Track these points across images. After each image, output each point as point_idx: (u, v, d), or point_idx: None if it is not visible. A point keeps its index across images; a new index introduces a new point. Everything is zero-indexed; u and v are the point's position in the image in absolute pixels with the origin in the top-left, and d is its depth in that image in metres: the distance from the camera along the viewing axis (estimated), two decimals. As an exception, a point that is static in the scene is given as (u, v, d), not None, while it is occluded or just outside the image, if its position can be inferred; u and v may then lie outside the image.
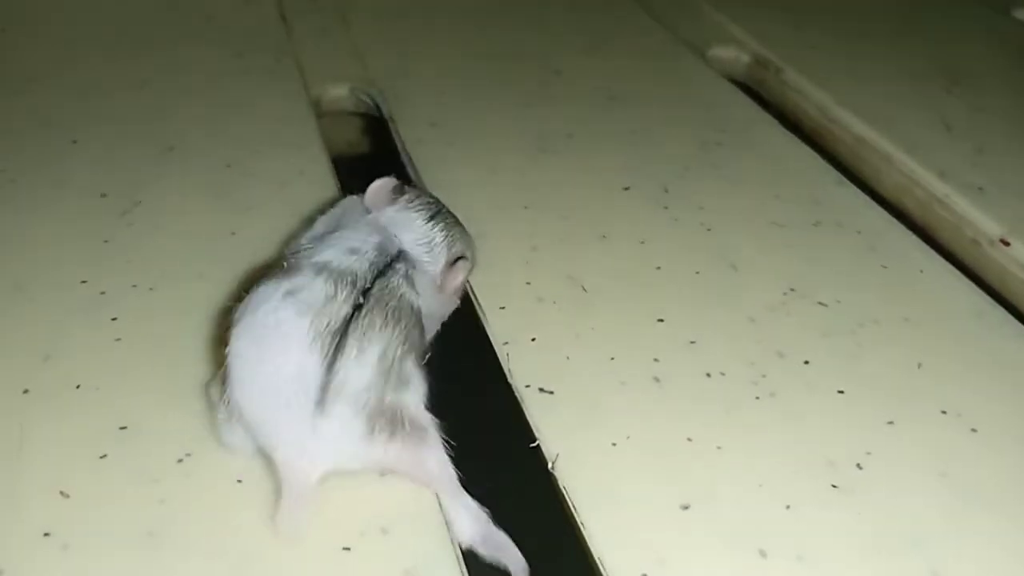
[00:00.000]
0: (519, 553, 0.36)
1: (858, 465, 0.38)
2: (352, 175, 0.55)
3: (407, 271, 0.39)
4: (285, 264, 0.38)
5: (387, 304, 0.37)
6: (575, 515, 0.36)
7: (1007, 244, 0.53)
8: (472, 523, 0.36)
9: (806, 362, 0.44)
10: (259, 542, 0.34)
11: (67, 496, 0.36)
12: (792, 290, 0.48)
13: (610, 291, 0.48)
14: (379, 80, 0.68)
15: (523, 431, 0.40)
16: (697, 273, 0.50)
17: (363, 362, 0.34)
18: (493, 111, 0.65)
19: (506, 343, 0.44)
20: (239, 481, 0.37)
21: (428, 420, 0.37)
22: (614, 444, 0.39)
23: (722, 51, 0.74)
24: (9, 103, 0.63)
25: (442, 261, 0.41)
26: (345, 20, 0.77)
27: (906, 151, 0.61)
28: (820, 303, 0.48)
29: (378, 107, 0.65)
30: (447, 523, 0.36)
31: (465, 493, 0.36)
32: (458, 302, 0.43)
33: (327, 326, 0.34)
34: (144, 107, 0.63)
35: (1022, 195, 0.57)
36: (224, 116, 0.63)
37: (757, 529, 0.36)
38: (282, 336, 0.34)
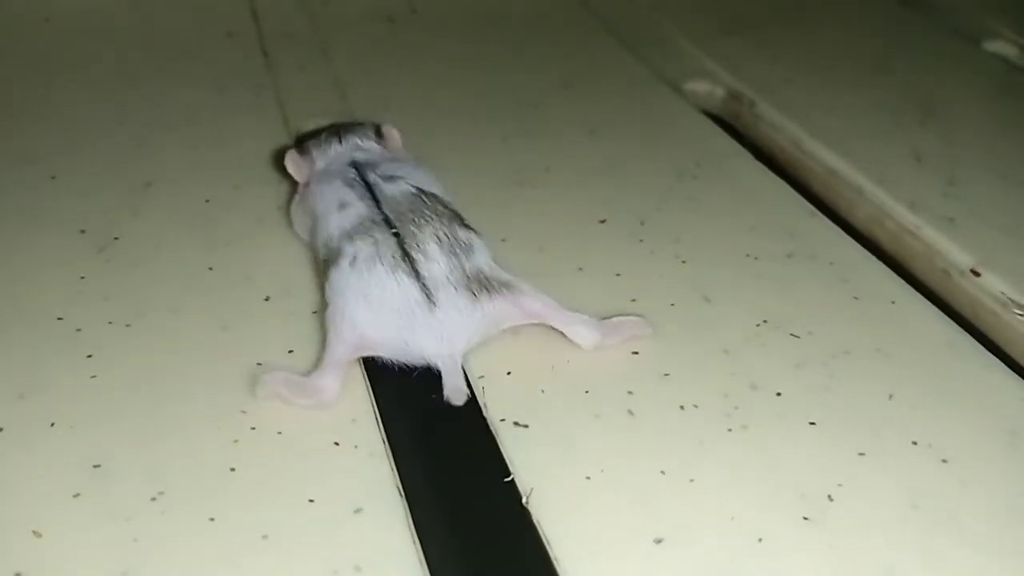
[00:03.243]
0: (639, 320, 0.46)
1: (829, 497, 0.39)
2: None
3: (378, 176, 0.47)
4: (326, 261, 0.45)
5: (402, 209, 0.44)
6: (549, 550, 0.36)
7: (977, 275, 0.54)
8: (589, 329, 0.45)
9: (778, 394, 0.44)
10: (232, 581, 0.34)
11: (40, 535, 0.36)
12: (765, 322, 0.49)
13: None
14: (359, 114, 0.68)
15: (498, 465, 0.40)
16: (672, 305, 0.50)
17: (431, 256, 0.42)
18: (471, 144, 0.66)
19: (482, 376, 0.45)
20: (211, 519, 0.37)
21: (507, 274, 0.45)
22: (588, 478, 0.39)
23: (697, 85, 0.75)
24: (-12, 139, 0.64)
25: (375, 143, 0.51)
26: (326, 54, 0.78)
27: (877, 183, 0.62)
28: (793, 335, 0.48)
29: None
30: (570, 337, 0.45)
31: (569, 311, 0.45)
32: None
33: (392, 256, 0.42)
34: (124, 142, 0.64)
35: (993, 226, 0.57)
36: (203, 151, 0.63)
37: (730, 561, 0.36)
38: (374, 283, 0.42)
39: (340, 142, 0.51)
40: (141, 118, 0.67)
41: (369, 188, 0.46)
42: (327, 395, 0.42)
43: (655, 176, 0.62)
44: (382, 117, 0.67)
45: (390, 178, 0.47)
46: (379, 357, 0.44)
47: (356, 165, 0.48)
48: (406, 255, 0.42)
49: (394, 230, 0.43)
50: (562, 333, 0.45)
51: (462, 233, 0.44)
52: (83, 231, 0.54)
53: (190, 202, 0.57)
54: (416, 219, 0.44)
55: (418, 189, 0.46)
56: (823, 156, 0.65)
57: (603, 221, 0.57)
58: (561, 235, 0.56)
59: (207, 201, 0.57)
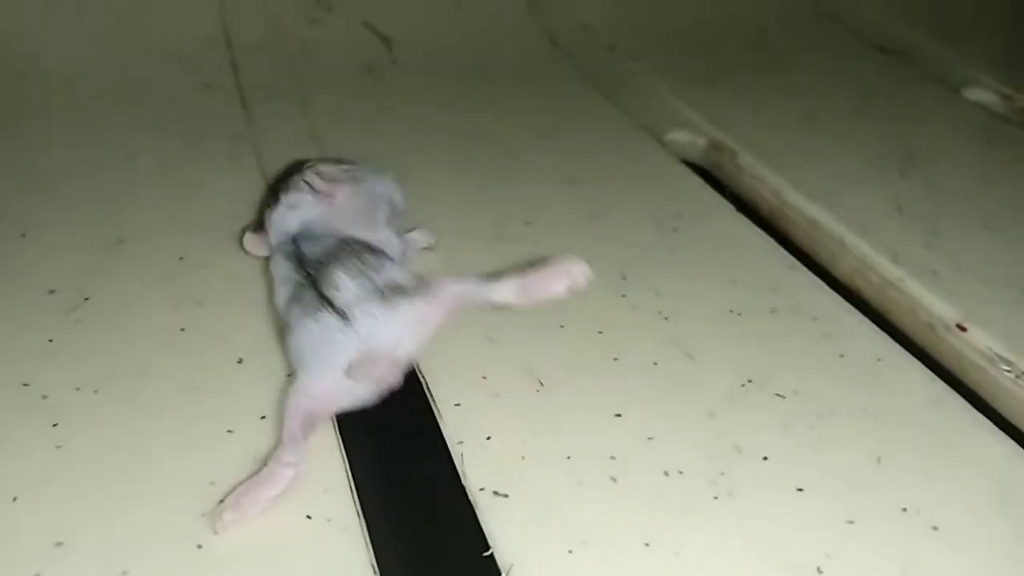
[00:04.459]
0: (558, 264, 0.44)
1: (819, 569, 0.38)
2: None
3: (308, 240, 0.48)
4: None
5: (322, 260, 0.46)
6: (529, 630, 0.35)
7: (963, 329, 0.53)
8: (509, 289, 0.45)
9: (765, 458, 0.43)
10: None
11: (-4, 621, 0.34)
12: (749, 381, 0.48)
13: (567, 384, 0.47)
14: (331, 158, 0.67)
15: (477, 538, 0.39)
16: (655, 364, 0.49)
17: (343, 286, 0.43)
18: (451, 196, 0.65)
19: (460, 442, 0.43)
20: (178, 601, 0.35)
21: (411, 277, 0.45)
22: (570, 551, 0.38)
23: (678, 135, 0.75)
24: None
25: (305, 193, 0.51)
26: (305, 105, 0.77)
27: (859, 234, 0.61)
28: (778, 394, 0.47)
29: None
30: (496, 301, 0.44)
31: (483, 282, 0.45)
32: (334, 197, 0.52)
33: (312, 301, 0.43)
34: (98, 197, 0.63)
35: (977, 278, 0.57)
36: (179, 205, 0.62)
37: (717, 640, 0.35)
38: (304, 334, 0.43)
39: (278, 204, 0.52)
40: (116, 171, 0.66)
41: (300, 258, 0.47)
42: (293, 471, 0.40)
43: (636, 228, 0.62)
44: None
45: (318, 239, 0.48)
46: (357, 423, 0.43)
47: (295, 239, 0.49)
48: (322, 296, 0.43)
49: (311, 278, 0.45)
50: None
51: (371, 257, 0.46)
52: (52, 291, 0.53)
53: (164, 259, 0.56)
54: (329, 261, 0.45)
55: (341, 240, 0.47)
56: (804, 207, 0.65)
57: (585, 276, 0.56)
58: (542, 290, 0.55)
59: (181, 258, 0.56)
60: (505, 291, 0.45)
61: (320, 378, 0.42)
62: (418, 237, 0.57)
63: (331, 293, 0.43)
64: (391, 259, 0.47)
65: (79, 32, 0.82)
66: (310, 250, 0.47)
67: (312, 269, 0.45)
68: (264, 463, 0.40)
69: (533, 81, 0.83)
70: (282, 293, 0.46)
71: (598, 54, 0.88)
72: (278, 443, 0.41)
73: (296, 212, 0.51)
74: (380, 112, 0.77)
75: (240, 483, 0.40)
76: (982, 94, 0.84)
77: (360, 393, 0.42)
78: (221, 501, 0.39)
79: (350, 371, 0.42)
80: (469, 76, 0.83)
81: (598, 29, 0.91)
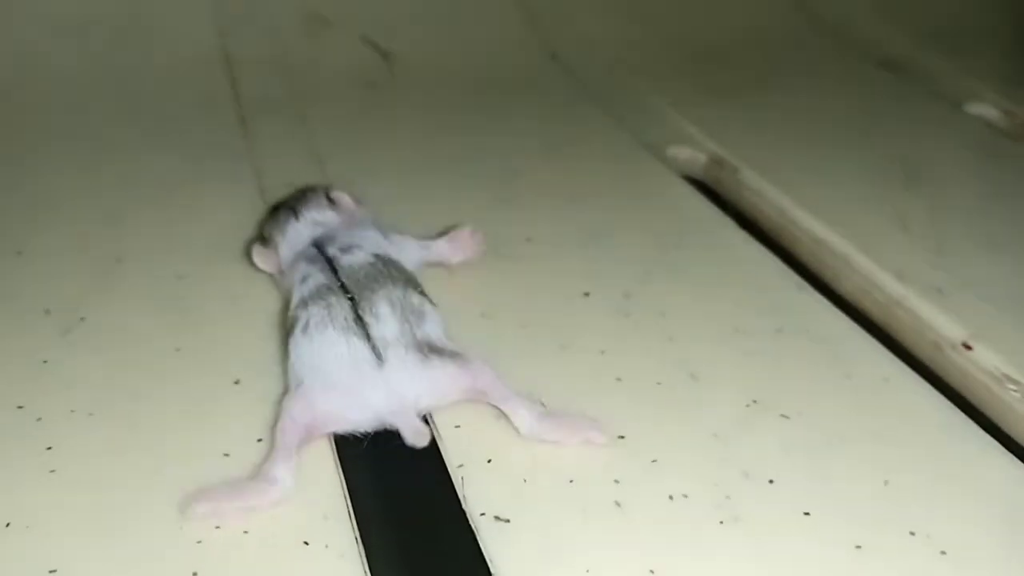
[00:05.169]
0: (592, 423, 0.43)
1: (827, 597, 0.37)
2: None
3: (336, 249, 0.47)
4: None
5: (358, 276, 0.45)
6: (532, 661, 0.34)
7: (969, 348, 0.52)
8: (532, 418, 0.43)
9: (771, 481, 0.42)
10: None
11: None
12: (755, 402, 0.47)
13: (569, 406, 0.46)
14: (337, 184, 0.67)
15: (478, 566, 0.38)
16: (658, 384, 0.49)
17: (383, 319, 0.43)
18: (452, 213, 0.64)
19: (460, 465, 0.43)
20: (173, 632, 0.35)
21: (454, 346, 0.44)
22: (573, 579, 0.37)
23: (679, 150, 0.75)
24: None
25: (329, 212, 0.52)
26: (305, 122, 0.77)
27: (864, 252, 0.61)
28: (784, 416, 0.47)
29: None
30: (511, 420, 0.43)
31: (515, 394, 0.44)
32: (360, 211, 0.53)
33: (344, 319, 0.43)
34: (95, 215, 0.62)
35: (983, 296, 0.56)
36: (177, 224, 0.62)
37: (724, 671, 0.34)
38: (325, 347, 0.42)
39: (297, 219, 0.52)
40: (113, 189, 0.66)
41: (329, 261, 0.47)
42: (280, 487, 0.39)
43: (639, 246, 0.61)
44: (361, 185, 0.67)
45: (348, 248, 0.47)
46: (355, 445, 0.42)
47: (317, 244, 0.49)
48: (359, 318, 0.43)
49: (349, 295, 0.44)
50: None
51: (415, 299, 0.45)
52: (48, 311, 0.52)
53: (161, 279, 0.55)
54: (371, 284, 0.44)
55: (376, 256, 0.47)
56: (808, 224, 0.64)
57: (587, 294, 0.56)
58: (544, 309, 0.55)
59: (179, 278, 0.56)
60: (530, 414, 0.43)
61: (329, 395, 0.42)
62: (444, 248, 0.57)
63: (369, 319, 0.43)
64: (431, 303, 0.46)
65: (77, 49, 0.82)
66: (339, 256, 0.46)
67: (347, 279, 0.44)
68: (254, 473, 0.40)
69: (533, 96, 0.83)
70: (301, 291, 0.45)
71: (598, 69, 0.88)
72: (269, 454, 0.40)
73: (314, 227, 0.51)
74: (380, 128, 0.77)
75: (226, 484, 0.40)
76: (984, 109, 0.83)
77: (360, 421, 0.42)
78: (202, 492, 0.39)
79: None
80: (469, 91, 0.83)
81: (598, 44, 0.91)
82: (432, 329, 0.44)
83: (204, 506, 0.38)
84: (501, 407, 0.44)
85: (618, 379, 0.49)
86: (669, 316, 0.54)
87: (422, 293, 0.46)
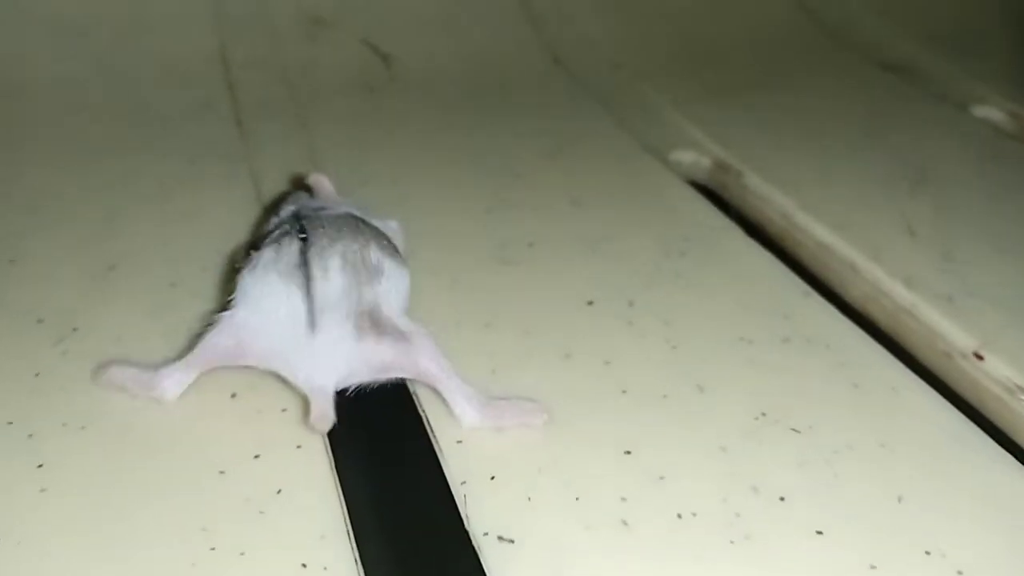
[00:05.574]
0: (533, 405, 0.43)
1: (841, 619, 0.36)
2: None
3: (312, 207, 0.46)
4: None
5: (324, 222, 0.42)
6: None
7: (980, 358, 0.51)
8: (471, 407, 0.42)
9: (782, 498, 0.41)
10: None
11: None
12: (763, 414, 0.46)
13: (574, 419, 0.46)
14: (336, 187, 0.66)
15: (482, 588, 0.37)
16: (664, 396, 0.48)
17: (330, 273, 0.40)
18: (453, 217, 0.64)
19: (463, 482, 0.42)
20: (167, 660, 0.33)
21: (408, 323, 0.42)
22: (580, 602, 0.36)
23: (683, 154, 0.74)
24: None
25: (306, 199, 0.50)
26: (303, 124, 0.76)
27: (871, 258, 0.60)
28: (793, 428, 0.46)
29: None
30: (451, 409, 0.43)
31: (458, 381, 0.42)
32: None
33: (288, 264, 0.40)
34: (89, 221, 0.61)
35: (993, 304, 0.55)
36: (172, 228, 0.61)
37: None
38: (267, 290, 0.40)
39: (277, 215, 0.49)
40: (108, 194, 0.64)
41: (297, 214, 0.45)
42: (164, 394, 0.43)
43: (643, 252, 0.60)
44: (360, 192, 0.66)
45: (323, 208, 0.46)
46: (353, 461, 0.41)
47: (296, 214, 0.46)
48: (305, 263, 0.40)
49: (303, 235, 0.41)
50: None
51: (374, 255, 0.42)
52: (40, 320, 0.51)
53: (155, 286, 0.54)
54: (332, 233, 0.42)
55: (351, 215, 0.44)
56: (814, 230, 0.63)
57: (591, 302, 0.55)
58: (547, 317, 0.53)
59: (172, 285, 0.54)
60: (469, 404, 0.43)
61: (257, 343, 0.41)
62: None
63: (316, 271, 0.40)
64: (394, 262, 0.43)
65: (74, 51, 0.80)
66: (311, 208, 0.45)
67: (309, 225, 0.42)
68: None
69: (535, 99, 0.82)
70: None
71: (601, 72, 0.87)
72: (178, 358, 0.43)
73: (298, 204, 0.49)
74: (379, 131, 0.75)
75: (137, 368, 0.44)
76: (990, 111, 0.82)
77: (282, 375, 0.42)
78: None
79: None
80: (470, 94, 0.82)
81: (601, 47, 0.90)
82: (385, 294, 0.42)
83: (108, 377, 0.43)
84: (443, 396, 0.43)
85: (623, 391, 0.48)
86: (673, 325, 0.53)
87: (386, 249, 0.43)
